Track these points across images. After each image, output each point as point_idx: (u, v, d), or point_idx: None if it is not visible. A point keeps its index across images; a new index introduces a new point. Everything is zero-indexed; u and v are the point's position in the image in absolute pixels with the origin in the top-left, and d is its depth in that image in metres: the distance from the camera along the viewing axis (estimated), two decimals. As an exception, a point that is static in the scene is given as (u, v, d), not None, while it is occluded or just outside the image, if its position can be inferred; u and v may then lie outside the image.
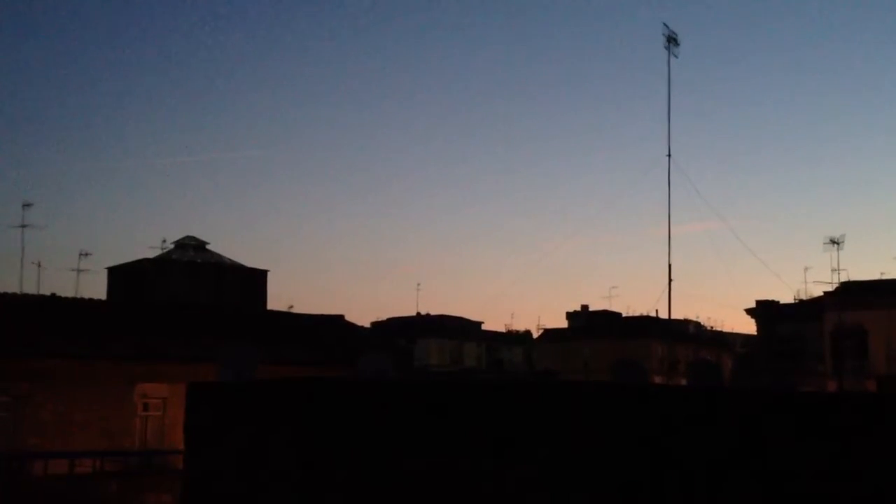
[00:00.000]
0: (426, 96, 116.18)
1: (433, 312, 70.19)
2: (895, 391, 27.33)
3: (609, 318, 63.03)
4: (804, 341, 42.77)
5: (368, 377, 14.73)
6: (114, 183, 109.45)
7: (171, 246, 42.99)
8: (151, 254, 41.76)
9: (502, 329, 74.28)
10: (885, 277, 44.61)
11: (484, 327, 72.16)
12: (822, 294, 44.45)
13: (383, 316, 71.06)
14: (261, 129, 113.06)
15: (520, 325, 75.16)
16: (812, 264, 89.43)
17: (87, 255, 45.35)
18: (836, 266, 45.34)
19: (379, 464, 10.14)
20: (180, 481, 13.81)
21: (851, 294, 42.64)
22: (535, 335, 70.45)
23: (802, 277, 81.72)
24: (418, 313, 70.31)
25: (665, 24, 35.87)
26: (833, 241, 44.59)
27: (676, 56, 36.07)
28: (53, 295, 32.42)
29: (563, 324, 68.47)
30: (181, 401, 13.61)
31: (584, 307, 67.79)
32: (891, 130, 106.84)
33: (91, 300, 32.15)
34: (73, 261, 41.23)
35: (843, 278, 44.62)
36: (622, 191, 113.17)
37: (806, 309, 44.76)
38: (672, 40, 36.17)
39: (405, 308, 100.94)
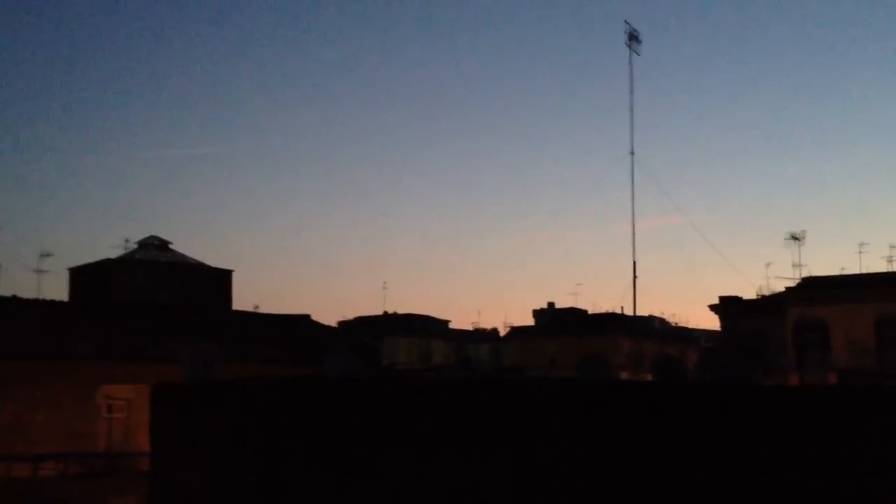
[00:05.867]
0: (389, 93, 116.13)
1: (400, 311, 70.12)
2: (857, 384, 27.73)
3: (575, 315, 63.34)
4: (767, 336, 43.25)
5: (335, 375, 14.73)
6: (75, 182, 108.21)
7: (135, 246, 42.60)
8: (114, 254, 41.36)
9: (469, 327, 74.43)
10: (845, 272, 45.32)
11: (451, 325, 72.21)
12: (783, 289, 45.02)
13: (350, 315, 70.91)
14: (224, 126, 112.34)
15: (487, 323, 75.45)
16: (774, 260, 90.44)
17: (48, 255, 44.76)
18: (797, 261, 46.02)
19: (345, 460, 10.12)
20: (145, 483, 13.72)
21: (813, 289, 43.20)
22: (502, 333, 70.66)
23: (764, 273, 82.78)
24: (385, 312, 70.20)
25: (627, 22, 36.16)
26: (794, 237, 45.22)
27: (638, 53, 36.36)
28: (14, 296, 32.02)
29: (530, 321, 68.74)
30: (146, 402, 13.52)
31: (551, 304, 68.06)
32: (850, 127, 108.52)
33: (53, 301, 31.80)
34: (34, 262, 40.57)
35: (805, 273, 45.31)
36: (586, 188, 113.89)
37: (768, 304, 45.27)
38: (634, 38, 36.42)
39: (372, 307, 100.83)
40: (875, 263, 47.02)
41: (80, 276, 40.27)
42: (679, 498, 9.12)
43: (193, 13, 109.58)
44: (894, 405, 10.13)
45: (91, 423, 26.44)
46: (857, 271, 45.23)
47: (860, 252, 55.83)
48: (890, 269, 45.08)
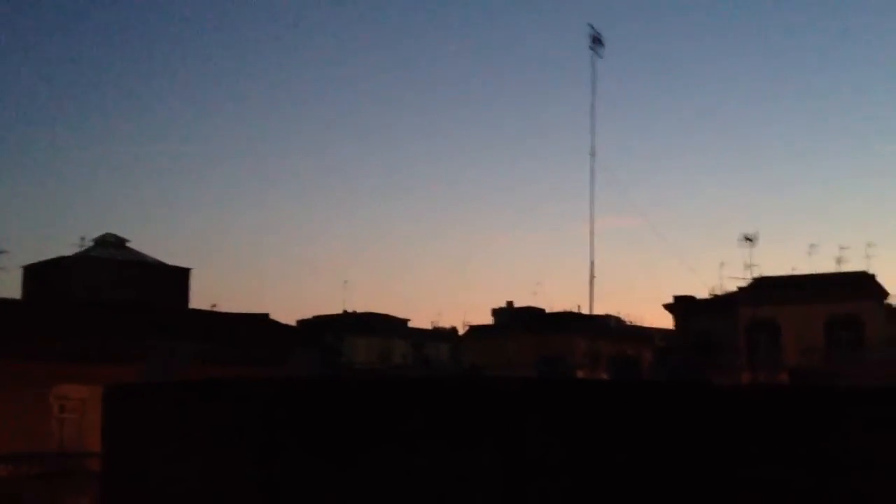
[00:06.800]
0: (347, 93, 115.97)
1: (360, 310, 70.10)
2: (807, 383, 28.33)
3: (533, 314, 63.77)
4: (720, 335, 43.94)
5: (299, 376, 14.79)
6: (30, 178, 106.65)
7: (91, 243, 42.29)
8: (70, 251, 41.01)
9: (429, 326, 74.61)
10: (796, 273, 46.12)
11: (410, 325, 72.32)
12: (736, 289, 45.76)
13: (309, 314, 70.73)
14: (183, 123, 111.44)
15: (446, 322, 75.61)
16: (727, 260, 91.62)
17: (1, 252, 44.30)
18: (749, 262, 46.72)
19: (302, 464, 10.23)
20: (98, 484, 13.71)
21: (764, 289, 43.95)
22: (461, 332, 70.95)
23: (718, 273, 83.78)
24: (345, 311, 70.15)
25: (590, 25, 36.52)
26: (747, 238, 45.87)
27: (601, 56, 36.74)
28: (-34, 295, 31.63)
29: (489, 320, 69.08)
30: (99, 402, 13.52)
31: (509, 303, 68.43)
32: (803, 130, 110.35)
33: (5, 299, 31.50)
34: (-13, 259, 39.95)
35: (757, 274, 46.04)
36: (546, 188, 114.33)
37: (721, 304, 45.99)
38: (597, 41, 36.84)
39: (331, 306, 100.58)
40: (825, 264, 47.86)
41: (35, 274, 39.90)
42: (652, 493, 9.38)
43: (157, 9, 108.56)
44: (848, 404, 10.45)
45: (44, 423, 26.23)
46: (808, 272, 46.06)
47: (811, 253, 56.80)
48: (839, 270, 45.94)
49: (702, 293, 49.08)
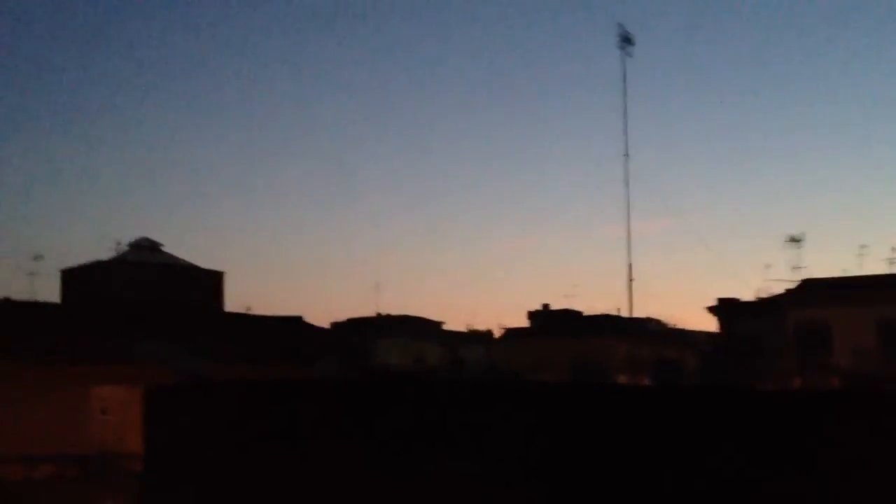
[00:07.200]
0: (383, 96, 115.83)
1: (393, 313, 69.82)
2: (859, 387, 27.54)
3: (570, 317, 63.05)
4: (766, 339, 43.06)
5: (323, 377, 15.11)
6: (66, 184, 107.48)
7: (126, 248, 42.50)
8: (106, 255, 41.30)
9: (463, 329, 74.10)
10: (845, 274, 45.10)
11: (445, 327, 71.91)
12: (783, 292, 44.80)
13: (343, 316, 70.54)
14: (217, 126, 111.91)
15: (481, 325, 75.07)
16: (772, 262, 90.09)
17: (40, 257, 44.45)
18: (796, 264, 45.81)
19: (339, 464, 9.98)
20: (138, 484, 13.76)
21: (813, 291, 43.02)
22: (497, 334, 70.39)
23: (763, 275, 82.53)
24: (378, 314, 69.90)
25: (620, 25, 36.07)
26: (793, 239, 45.07)
27: (631, 56, 36.30)
28: (7, 299, 32.01)
29: (525, 323, 68.47)
30: (139, 403, 13.56)
31: (545, 306, 67.74)
32: (850, 127, 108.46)
33: (45, 303, 31.75)
34: (26, 264, 40.52)
35: (804, 276, 45.10)
36: (581, 190, 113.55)
37: (767, 306, 45.05)
38: (627, 40, 36.39)
39: (365, 308, 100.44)
40: (876, 266, 46.69)
41: (72, 278, 40.24)
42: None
43: (197, 13, 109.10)
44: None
45: (84, 424, 26.40)
46: (858, 273, 44.98)
47: (861, 254, 55.62)
48: (891, 272, 44.84)
49: (746, 295, 48.28)
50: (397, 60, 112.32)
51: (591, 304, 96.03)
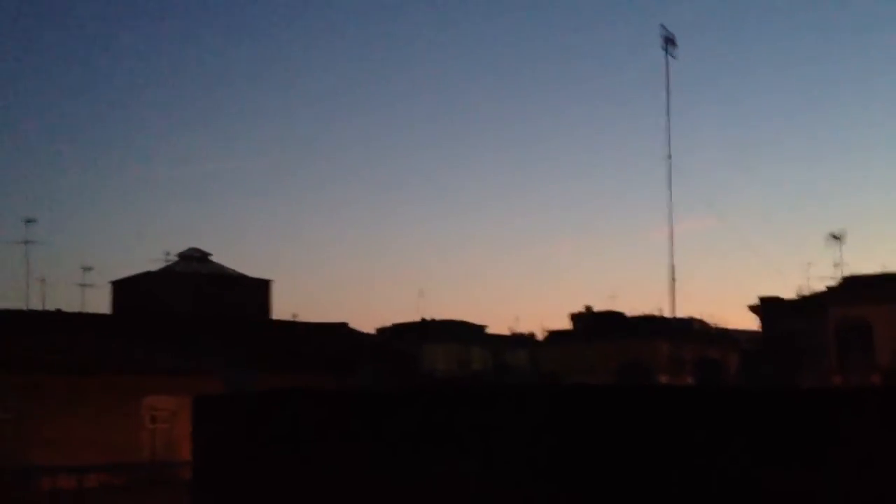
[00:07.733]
0: (425, 100, 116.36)
1: (437, 317, 70.01)
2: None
3: (613, 319, 62.85)
4: (808, 337, 42.68)
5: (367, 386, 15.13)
6: (115, 195, 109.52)
7: (175, 258, 43.05)
8: (155, 266, 41.80)
9: (506, 332, 74.06)
10: (887, 271, 44.54)
11: (488, 331, 71.94)
12: (824, 289, 44.42)
13: (388, 322, 70.93)
14: (262, 137, 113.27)
15: (524, 328, 75.06)
16: (814, 260, 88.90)
17: (90, 269, 45.31)
18: (838, 261, 45.37)
19: (380, 469, 10.25)
20: (189, 493, 13.98)
21: (854, 288, 42.59)
22: (540, 337, 70.30)
23: (804, 273, 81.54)
24: (423, 319, 70.17)
25: (663, 26, 36.00)
26: (834, 237, 44.63)
27: (675, 57, 36.21)
28: (58, 310, 32.54)
29: (567, 325, 68.32)
30: (189, 413, 13.78)
31: (588, 308, 67.54)
32: (890, 124, 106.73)
33: (96, 315, 32.31)
34: (77, 276, 41.24)
35: (846, 273, 44.66)
36: (624, 192, 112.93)
37: (809, 305, 44.66)
38: (670, 41, 36.33)
39: (409, 314, 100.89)
40: (918, 263, 46.07)
41: (123, 289, 40.80)
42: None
43: (239, 24, 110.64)
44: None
45: (135, 434, 26.81)
46: (900, 271, 44.33)
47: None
48: (934, 269, 44.18)
49: (788, 294, 47.89)
50: (443, 67, 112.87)
51: (634, 305, 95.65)
